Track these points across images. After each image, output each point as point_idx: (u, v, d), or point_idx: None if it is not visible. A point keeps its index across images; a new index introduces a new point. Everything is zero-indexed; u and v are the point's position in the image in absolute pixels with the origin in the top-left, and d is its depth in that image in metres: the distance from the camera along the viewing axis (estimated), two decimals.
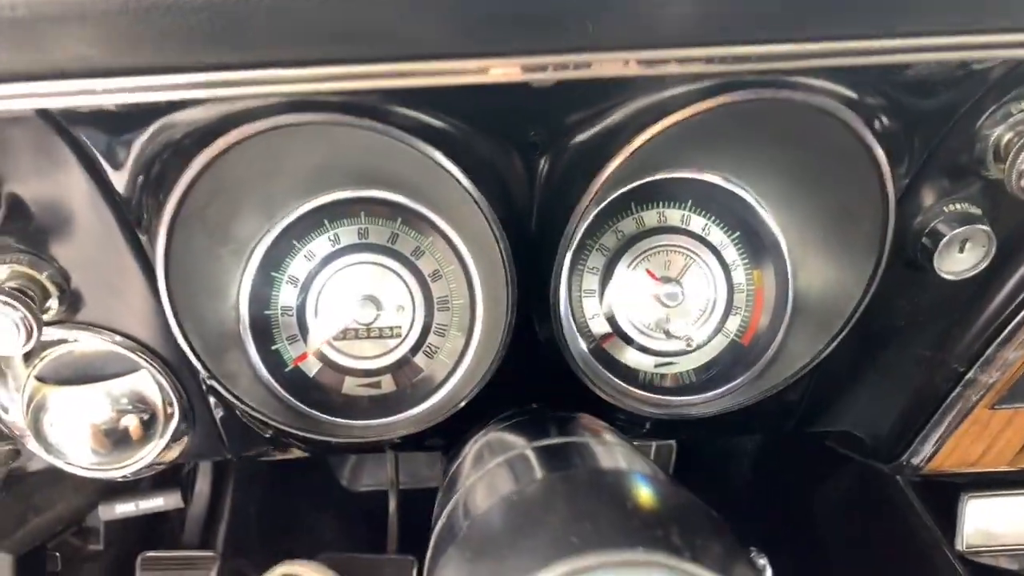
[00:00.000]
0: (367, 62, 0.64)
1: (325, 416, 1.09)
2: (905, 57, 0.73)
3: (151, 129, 0.79)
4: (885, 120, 0.83)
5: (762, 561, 0.69)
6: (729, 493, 2.04)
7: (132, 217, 0.86)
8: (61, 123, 0.77)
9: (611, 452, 0.75)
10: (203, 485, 1.77)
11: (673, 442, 1.83)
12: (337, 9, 0.59)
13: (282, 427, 1.01)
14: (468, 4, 0.60)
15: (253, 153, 0.81)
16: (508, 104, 0.83)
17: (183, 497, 1.48)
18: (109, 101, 0.65)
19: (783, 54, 0.67)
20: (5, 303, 0.84)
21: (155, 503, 1.36)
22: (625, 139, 0.80)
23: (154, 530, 1.69)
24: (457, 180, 0.82)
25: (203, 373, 0.94)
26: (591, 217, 1.09)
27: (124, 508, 1.35)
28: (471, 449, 0.89)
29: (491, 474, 0.75)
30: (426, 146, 0.79)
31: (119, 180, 0.83)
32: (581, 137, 0.87)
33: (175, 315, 0.88)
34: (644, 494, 0.62)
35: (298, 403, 1.09)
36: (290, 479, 2.08)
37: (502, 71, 0.66)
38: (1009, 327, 1.03)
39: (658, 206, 1.13)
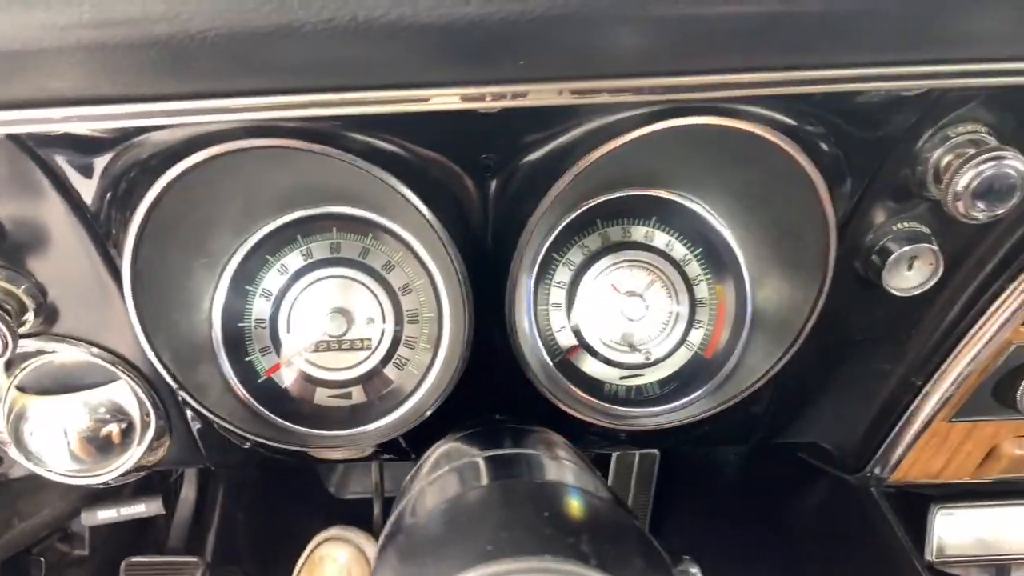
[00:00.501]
0: (313, 92, 0.67)
1: (296, 427, 1.12)
2: (840, 87, 0.76)
3: (117, 150, 0.83)
4: (824, 145, 0.86)
5: (693, 570, 0.71)
6: (711, 503, 2.06)
7: (102, 232, 0.90)
8: (30, 146, 0.81)
9: (555, 465, 0.78)
10: (189, 491, 1.80)
11: (656, 453, 1.86)
12: (278, 46, 0.63)
13: (253, 438, 1.04)
14: (404, 40, 0.63)
15: (220, 173, 0.85)
16: (459, 128, 0.86)
17: (166, 503, 1.52)
18: (70, 128, 0.68)
19: (714, 84, 0.70)
20: None
21: (137, 509, 1.39)
22: (572, 161, 0.83)
23: (140, 536, 1.73)
24: (411, 203, 0.85)
25: (174, 385, 0.97)
26: (554, 234, 1.12)
27: (106, 514, 1.38)
28: (429, 458, 0.92)
29: (438, 481, 0.78)
30: (379, 170, 0.82)
31: (89, 197, 0.86)
32: (530, 159, 0.90)
33: (143, 327, 0.91)
34: (567, 505, 0.65)
35: (270, 414, 1.12)
36: (278, 486, 2.11)
37: (442, 100, 0.70)
38: (962, 342, 1.06)
39: (622, 222, 1.16)
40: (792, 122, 0.84)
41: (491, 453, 0.81)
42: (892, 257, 0.95)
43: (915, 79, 0.77)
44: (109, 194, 0.86)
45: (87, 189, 0.86)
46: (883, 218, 0.97)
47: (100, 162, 0.83)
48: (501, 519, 0.61)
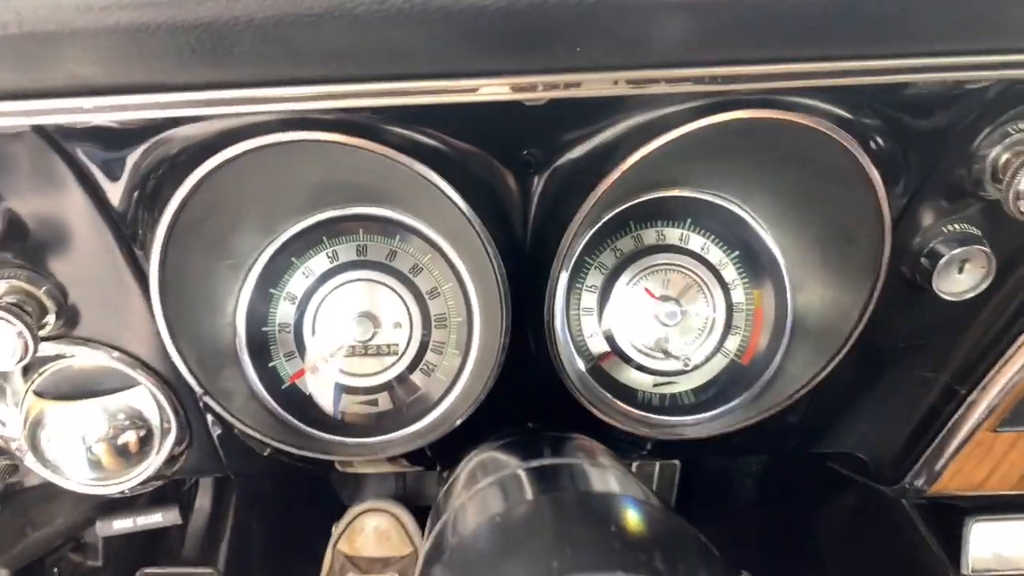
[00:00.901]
0: (358, 81, 0.64)
1: (321, 434, 1.09)
2: (900, 77, 0.73)
3: (146, 145, 0.79)
4: (881, 140, 0.83)
5: None
6: (733, 514, 2.02)
7: (128, 232, 0.87)
8: (56, 140, 0.78)
9: (603, 474, 0.74)
10: (204, 501, 1.76)
11: (677, 463, 1.82)
12: (327, 29, 0.60)
13: (277, 445, 1.01)
14: (458, 25, 0.60)
15: (249, 170, 0.82)
16: (502, 123, 0.83)
17: (182, 513, 1.48)
18: (99, 119, 0.65)
19: (774, 74, 0.67)
20: (2, 318, 0.85)
21: (153, 519, 1.35)
22: (618, 158, 0.80)
23: (154, 546, 1.69)
24: (451, 199, 0.82)
25: (197, 390, 0.94)
26: (588, 235, 1.09)
27: (122, 524, 1.34)
28: (464, 469, 0.89)
29: (480, 494, 0.75)
30: (420, 165, 0.79)
31: (115, 195, 0.83)
32: (574, 155, 0.87)
33: (169, 331, 0.88)
34: (630, 518, 0.61)
35: (294, 420, 1.09)
36: (292, 496, 2.07)
37: (492, 90, 0.66)
38: (1011, 348, 1.02)
39: (656, 224, 1.13)
40: (848, 115, 0.80)
41: (533, 464, 0.77)
42: (943, 260, 0.92)
43: (977, 70, 0.74)
44: (136, 192, 0.83)
45: (113, 186, 0.82)
46: (932, 219, 0.94)
47: (127, 158, 0.80)
48: (562, 534, 0.58)
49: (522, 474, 0.76)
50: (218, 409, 0.96)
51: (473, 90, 0.66)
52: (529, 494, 0.70)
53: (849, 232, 0.91)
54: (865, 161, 0.79)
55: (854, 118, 0.80)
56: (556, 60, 0.64)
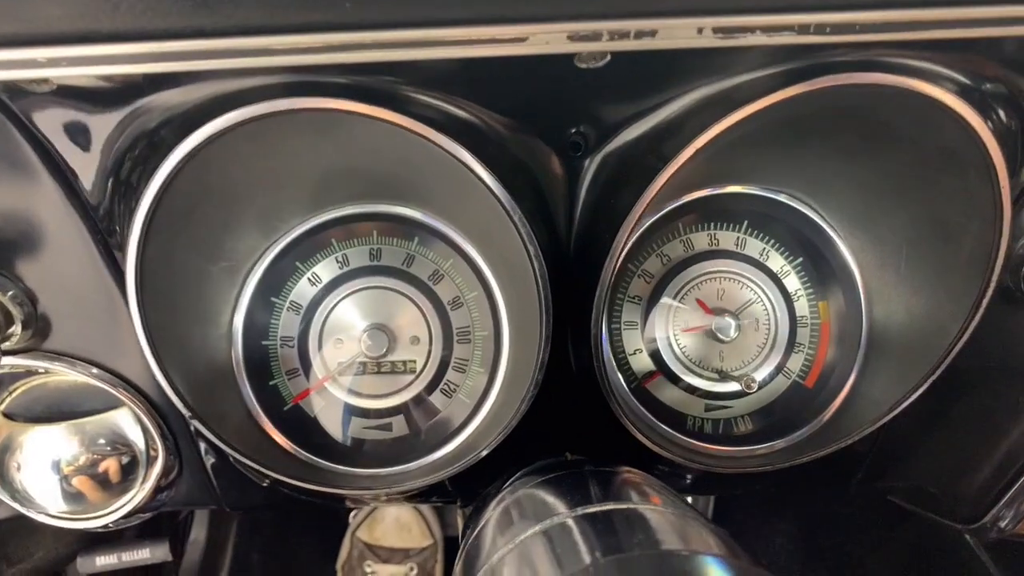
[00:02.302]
0: (377, 28, 0.51)
1: (327, 463, 0.95)
2: None
3: (121, 115, 0.66)
4: (1002, 115, 0.69)
5: None
6: (772, 544, 1.87)
7: (104, 226, 0.74)
8: (12, 110, 0.65)
9: (672, 524, 0.60)
10: (199, 532, 1.63)
11: None
12: None
13: (276, 476, 0.87)
14: None
15: (245, 149, 0.69)
16: (549, 91, 0.69)
17: (174, 546, 1.35)
18: (60, 74, 0.52)
19: (897, 22, 0.53)
20: None
21: (141, 555, 1.22)
22: (686, 138, 0.66)
23: None
24: (485, 184, 0.68)
25: (185, 412, 0.80)
26: (633, 239, 0.95)
27: (106, 560, 1.22)
28: (496, 509, 0.75)
29: (523, 548, 0.61)
30: (448, 140, 0.65)
31: (87, 181, 0.70)
32: (632, 136, 0.73)
33: (151, 343, 0.75)
34: None
35: (297, 448, 0.95)
36: (296, 525, 1.95)
37: (545, 39, 0.53)
38: None
39: (709, 227, 1.00)
40: (969, 82, 0.66)
41: (584, 511, 0.63)
42: None
43: None
44: (111, 178, 0.69)
45: (84, 171, 0.70)
46: None
47: (99, 134, 0.67)
48: None
49: (572, 524, 0.62)
50: (209, 435, 0.82)
51: (522, 39, 0.53)
52: (586, 554, 0.56)
53: (951, 227, 0.77)
54: (988, 138, 0.65)
55: (974, 86, 0.66)
56: (627, 1, 0.51)
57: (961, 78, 0.66)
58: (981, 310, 0.78)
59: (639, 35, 0.53)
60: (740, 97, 0.65)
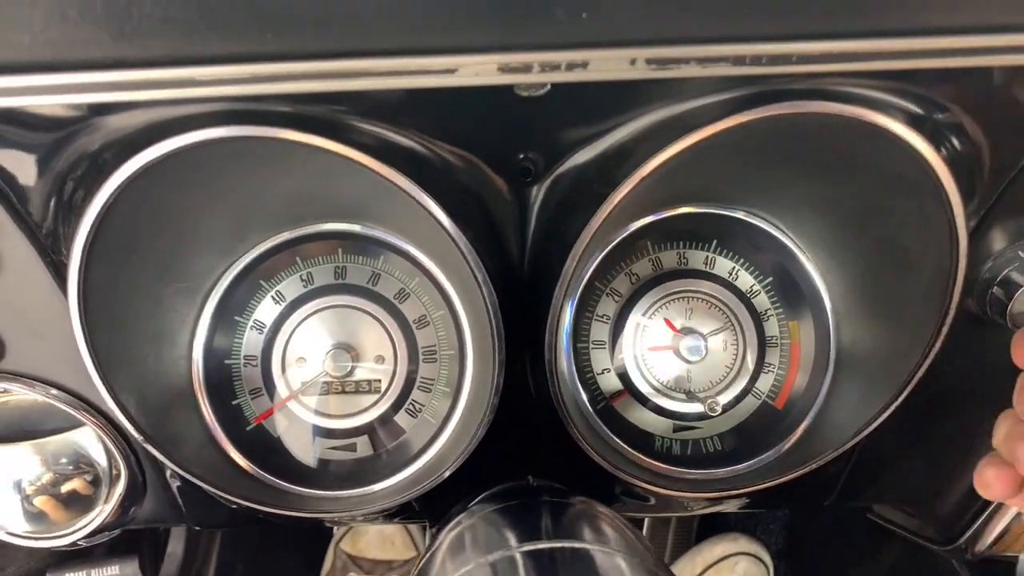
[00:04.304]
0: (303, 59, 0.50)
1: (289, 485, 0.94)
2: (994, 59, 0.58)
3: (57, 135, 0.65)
4: (955, 143, 0.68)
5: None
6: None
7: (50, 247, 0.73)
8: None
9: (617, 568, 0.59)
10: (177, 546, 1.62)
11: None
12: None
13: (235, 500, 0.86)
14: None
15: (186, 174, 0.68)
16: (494, 119, 0.68)
17: (152, 558, 1.35)
18: None
19: (835, 53, 0.52)
20: None
21: (110, 572, 1.21)
22: (634, 163, 0.65)
23: None
24: (431, 213, 0.67)
25: (138, 436, 0.80)
26: (599, 258, 0.94)
27: None
28: (448, 536, 0.74)
29: None
30: (391, 171, 0.64)
31: (31, 202, 0.69)
32: (581, 160, 0.72)
33: (97, 365, 0.74)
34: None
35: (258, 470, 0.94)
36: (279, 536, 1.94)
37: (475, 71, 0.52)
38: None
39: (678, 246, 0.99)
40: (919, 111, 0.65)
41: (531, 547, 0.62)
42: (1022, 291, 0.78)
43: None
44: (53, 199, 0.68)
45: (26, 191, 0.68)
46: (1006, 242, 0.81)
47: (40, 155, 0.66)
48: None
49: (519, 560, 0.61)
50: (163, 458, 0.81)
51: (451, 71, 0.52)
52: None
53: (910, 255, 0.76)
54: (940, 168, 0.64)
55: (924, 114, 0.65)
56: (555, 31, 0.50)
57: (912, 107, 0.65)
58: (941, 337, 0.76)
59: (571, 67, 0.52)
60: (691, 123, 0.64)
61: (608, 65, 0.52)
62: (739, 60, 0.52)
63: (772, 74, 0.54)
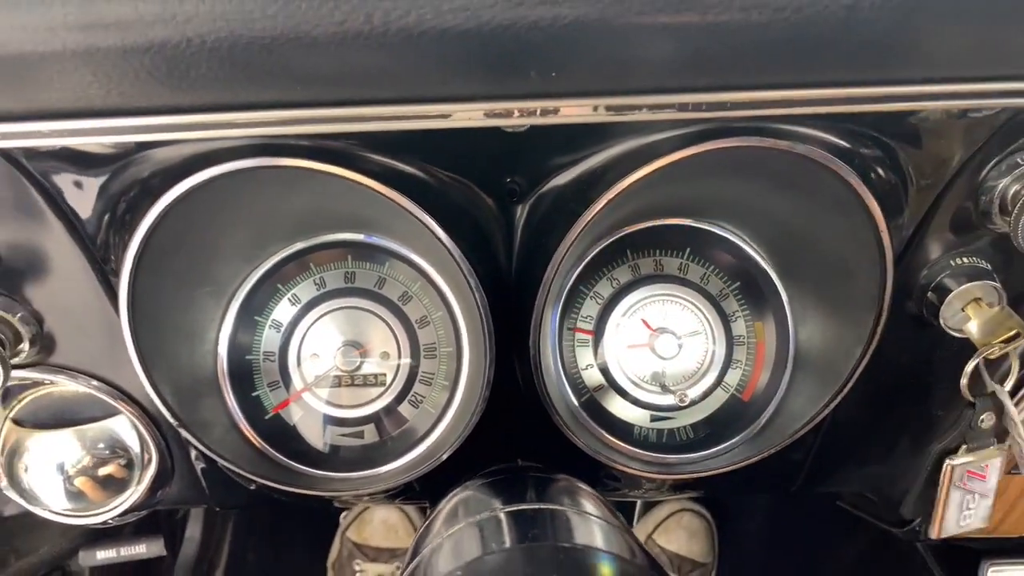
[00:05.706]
0: (323, 106, 0.61)
1: (304, 467, 1.05)
2: (900, 105, 0.70)
3: (116, 166, 0.76)
4: (882, 171, 0.79)
5: None
6: (737, 555, 1.96)
7: (101, 257, 0.84)
8: (22, 163, 0.75)
9: (587, 524, 0.70)
10: (195, 529, 1.73)
11: None
12: (284, 53, 0.57)
13: (257, 479, 0.97)
14: (422, 48, 0.57)
15: (225, 196, 0.79)
16: (483, 149, 0.80)
17: (171, 542, 1.45)
18: (61, 143, 0.63)
19: (764, 101, 0.63)
20: None
21: (137, 550, 1.32)
22: (604, 186, 0.76)
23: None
24: (430, 229, 0.78)
25: (172, 422, 0.91)
26: (582, 265, 1.05)
27: (105, 554, 1.31)
28: (445, 506, 0.85)
29: (456, 536, 0.71)
30: (396, 194, 0.75)
31: (87, 219, 0.80)
32: (559, 183, 0.84)
33: (142, 361, 0.85)
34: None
35: (276, 453, 1.05)
36: (290, 523, 2.04)
37: (465, 116, 0.63)
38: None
39: (655, 254, 1.09)
40: (846, 144, 0.76)
41: (513, 508, 0.73)
42: (952, 295, 0.88)
43: (984, 98, 0.70)
44: (107, 216, 0.80)
45: (84, 210, 0.79)
46: (939, 252, 0.90)
47: (97, 180, 0.77)
48: None
49: (501, 518, 0.72)
50: (194, 442, 0.92)
51: (445, 116, 0.63)
52: (506, 541, 0.66)
53: (849, 265, 0.87)
54: (863, 191, 0.75)
55: (852, 147, 0.76)
56: (530, 85, 0.61)
57: (840, 141, 0.76)
58: (877, 337, 0.87)
59: (544, 113, 0.63)
60: (651, 154, 0.75)
61: (575, 111, 0.63)
62: (683, 107, 0.63)
63: (711, 118, 0.65)
